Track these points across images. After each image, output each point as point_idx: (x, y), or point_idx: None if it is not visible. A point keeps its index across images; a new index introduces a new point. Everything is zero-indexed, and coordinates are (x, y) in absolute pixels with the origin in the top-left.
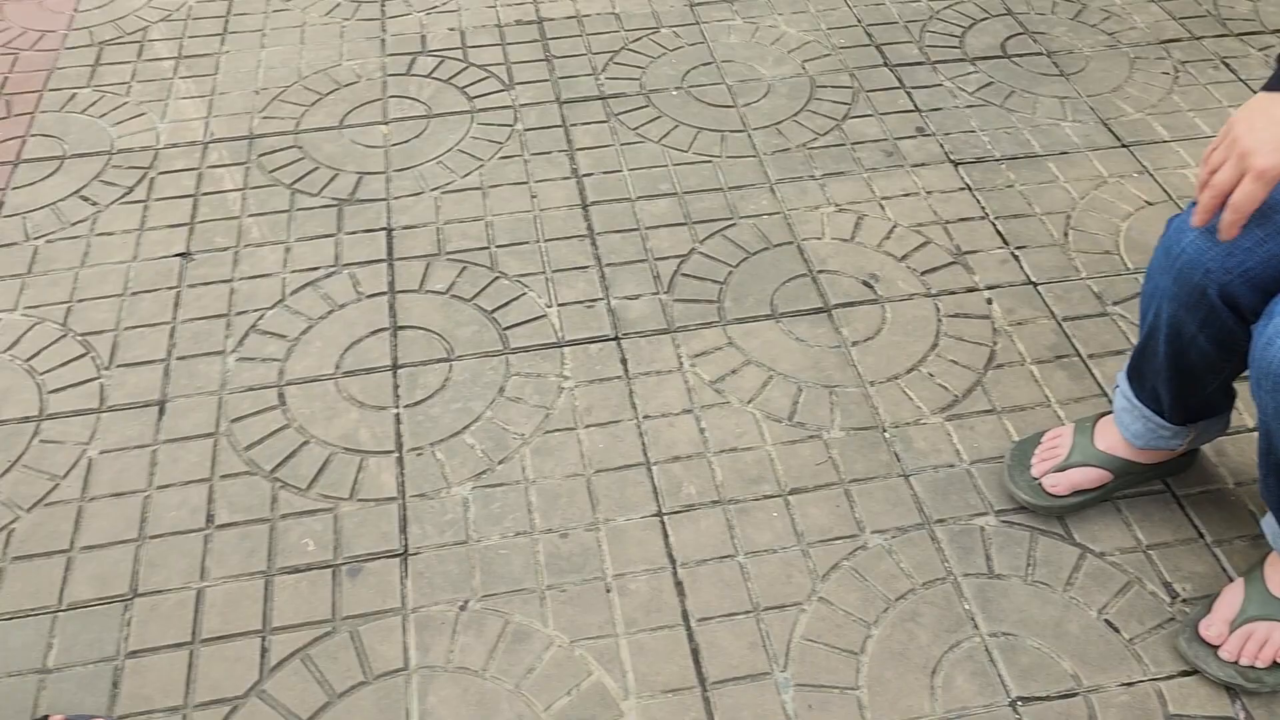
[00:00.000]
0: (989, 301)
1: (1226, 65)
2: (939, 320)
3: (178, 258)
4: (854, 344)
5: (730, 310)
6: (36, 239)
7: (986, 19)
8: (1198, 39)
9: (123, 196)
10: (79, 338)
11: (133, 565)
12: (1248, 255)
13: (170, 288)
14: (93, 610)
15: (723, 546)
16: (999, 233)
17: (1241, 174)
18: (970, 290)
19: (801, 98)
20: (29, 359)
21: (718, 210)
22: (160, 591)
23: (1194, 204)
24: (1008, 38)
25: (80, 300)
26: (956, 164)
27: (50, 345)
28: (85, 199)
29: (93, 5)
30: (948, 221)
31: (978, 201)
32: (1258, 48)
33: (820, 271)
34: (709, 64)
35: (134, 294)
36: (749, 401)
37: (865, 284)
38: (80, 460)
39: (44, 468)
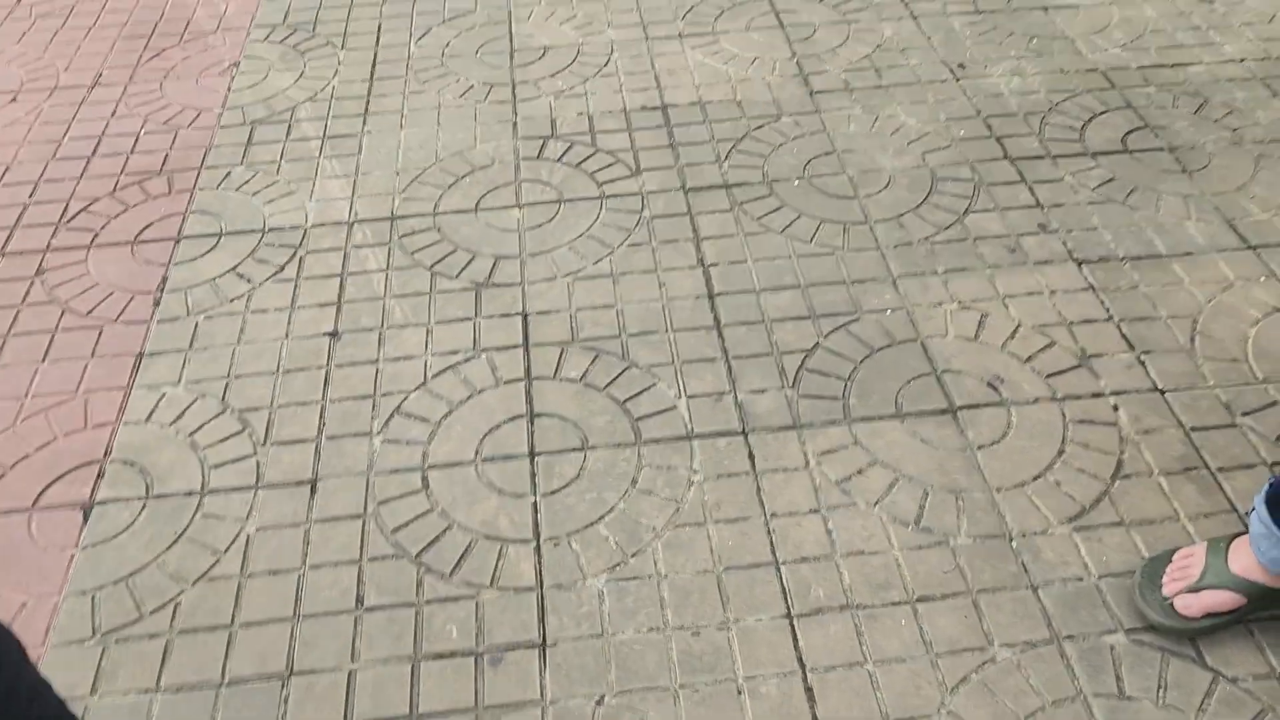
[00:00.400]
0: (1115, 408)
1: None
2: (1065, 426)
3: (327, 336)
4: (980, 447)
5: (855, 408)
6: (197, 315)
7: (1106, 112)
8: None
9: (275, 274)
10: (237, 414)
11: (289, 644)
12: None
13: (320, 367)
14: (253, 687)
15: (851, 653)
16: (1124, 336)
17: None
18: (1096, 396)
19: (923, 190)
20: (192, 433)
21: (841, 305)
22: (315, 671)
23: None
24: (1128, 132)
25: (238, 376)
26: (1080, 263)
27: (211, 421)
28: (241, 275)
29: (245, 85)
30: (1072, 323)
31: (1102, 303)
32: None
33: (944, 371)
34: (830, 153)
35: (287, 371)
36: (875, 504)
37: (990, 385)
38: (239, 536)
39: (207, 542)
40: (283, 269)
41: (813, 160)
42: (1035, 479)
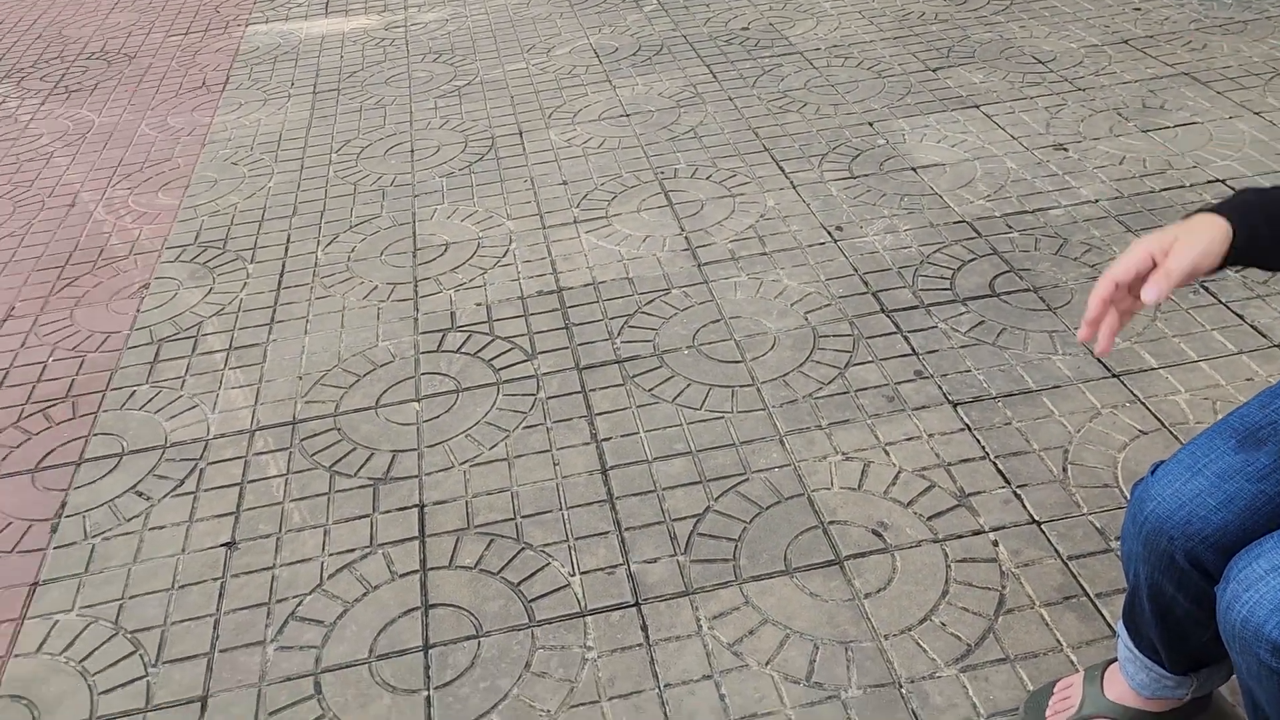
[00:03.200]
0: (995, 544)
1: (1206, 289)
2: (948, 565)
3: (224, 547)
4: (866, 596)
5: (746, 568)
6: (94, 537)
7: (974, 259)
8: None
9: (174, 489)
10: (129, 635)
11: None
12: (1205, 523)
13: (215, 579)
14: None
15: None
16: (1000, 472)
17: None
18: (976, 533)
19: (805, 348)
20: (82, 660)
21: (731, 467)
22: None
23: (1157, 466)
24: (995, 276)
25: (132, 597)
26: (955, 404)
27: (101, 645)
28: (140, 494)
29: (153, 305)
30: (950, 464)
31: (978, 441)
32: (1235, 270)
33: (831, 522)
34: (718, 321)
35: (181, 587)
36: (767, 663)
37: (874, 533)
38: None
39: None
40: (182, 483)
41: (701, 329)
42: (921, 622)
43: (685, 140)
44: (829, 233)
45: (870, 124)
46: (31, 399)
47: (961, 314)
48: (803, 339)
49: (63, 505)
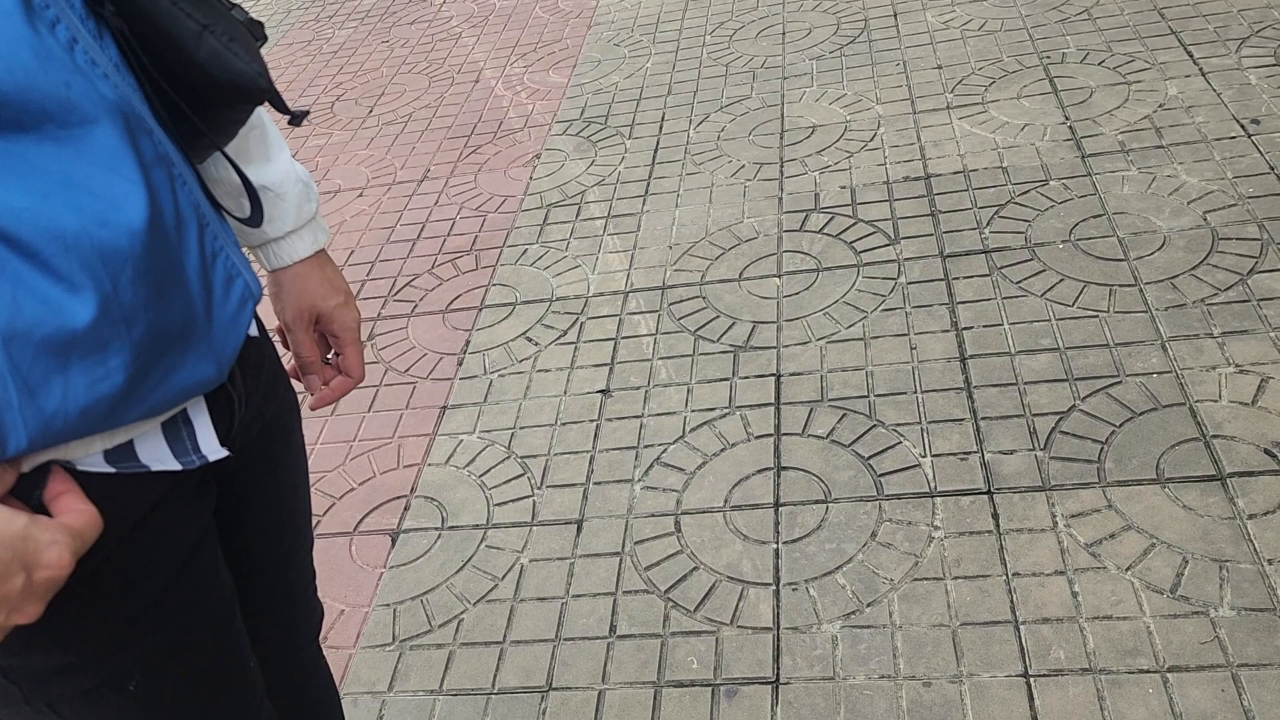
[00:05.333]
0: None
1: None
2: None
3: (599, 394)
4: (1251, 517)
5: (1112, 472)
6: (492, 373)
7: None
8: None
9: (558, 338)
10: (519, 460)
11: (549, 663)
12: None
13: (591, 420)
14: (518, 697)
15: (1091, 718)
16: None
17: None
18: None
19: (1201, 251)
20: (481, 475)
21: (1102, 368)
22: (570, 689)
23: None
24: None
25: (522, 428)
26: None
27: (497, 465)
28: (529, 339)
29: (544, 173)
30: None
31: None
32: None
33: (1215, 436)
34: (1100, 216)
35: (563, 424)
36: (1127, 569)
37: (1268, 453)
38: (515, 565)
39: (488, 569)
40: (565, 333)
41: (1080, 223)
42: None
43: (1077, 21)
44: (1242, 126)
45: None
46: (443, 250)
47: None
48: (1199, 240)
49: (467, 343)
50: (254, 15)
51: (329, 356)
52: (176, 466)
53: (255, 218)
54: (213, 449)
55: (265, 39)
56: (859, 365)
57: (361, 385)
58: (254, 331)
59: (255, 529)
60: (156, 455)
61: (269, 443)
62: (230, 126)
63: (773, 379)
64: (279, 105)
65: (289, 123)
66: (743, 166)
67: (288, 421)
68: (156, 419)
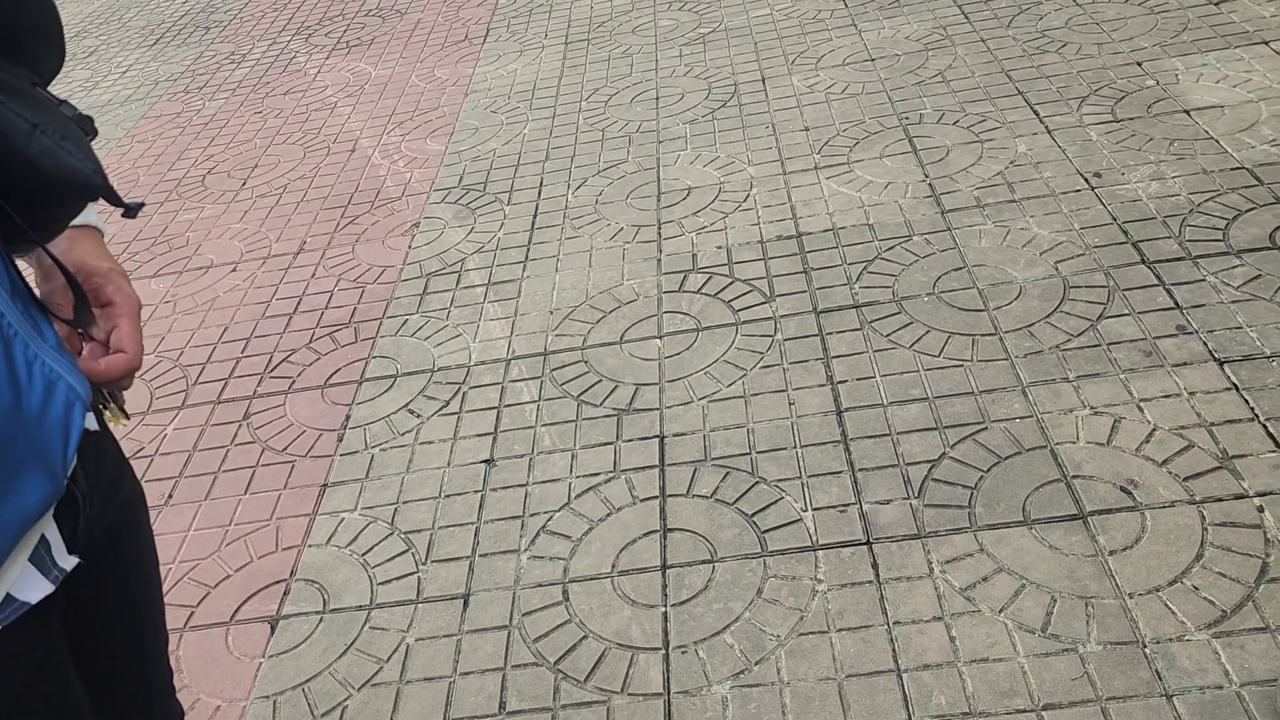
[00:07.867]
0: (1260, 509)
1: None
2: (1204, 529)
3: (484, 464)
4: (1111, 553)
5: (981, 516)
6: (374, 448)
7: (1253, 209)
8: None
9: (441, 409)
10: (403, 535)
11: None
12: None
13: (476, 491)
14: None
15: None
16: (1270, 435)
17: None
18: (1239, 497)
19: (1054, 299)
20: (364, 553)
21: (969, 415)
22: None
23: None
24: (1277, 228)
25: (405, 502)
26: (1222, 362)
27: (380, 542)
28: (412, 411)
29: (423, 242)
30: (1212, 424)
31: (1246, 401)
32: None
33: (1075, 477)
34: (960, 269)
35: (447, 496)
36: (1000, 611)
37: (1123, 490)
38: (400, 646)
39: (373, 651)
40: (448, 404)
41: (943, 276)
42: (1171, 584)
43: (932, 84)
44: (1085, 180)
45: (1139, 64)
46: (320, 324)
47: (1235, 267)
48: (1052, 289)
49: (347, 418)
50: (111, 94)
51: (107, 332)
52: (50, 588)
53: (82, 318)
54: (64, 558)
55: (95, 134)
56: (740, 423)
57: (237, 466)
58: (93, 425)
59: (107, 631)
60: (35, 586)
61: (116, 539)
62: (59, 224)
63: (656, 440)
64: (113, 200)
65: (123, 215)
66: (621, 229)
67: (134, 516)
68: (22, 555)
